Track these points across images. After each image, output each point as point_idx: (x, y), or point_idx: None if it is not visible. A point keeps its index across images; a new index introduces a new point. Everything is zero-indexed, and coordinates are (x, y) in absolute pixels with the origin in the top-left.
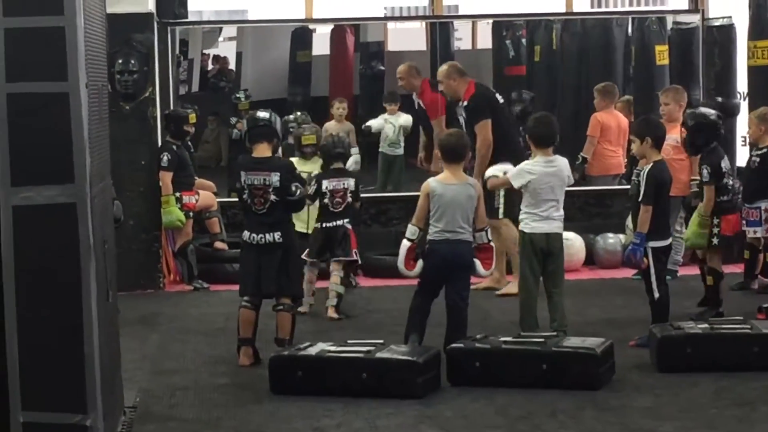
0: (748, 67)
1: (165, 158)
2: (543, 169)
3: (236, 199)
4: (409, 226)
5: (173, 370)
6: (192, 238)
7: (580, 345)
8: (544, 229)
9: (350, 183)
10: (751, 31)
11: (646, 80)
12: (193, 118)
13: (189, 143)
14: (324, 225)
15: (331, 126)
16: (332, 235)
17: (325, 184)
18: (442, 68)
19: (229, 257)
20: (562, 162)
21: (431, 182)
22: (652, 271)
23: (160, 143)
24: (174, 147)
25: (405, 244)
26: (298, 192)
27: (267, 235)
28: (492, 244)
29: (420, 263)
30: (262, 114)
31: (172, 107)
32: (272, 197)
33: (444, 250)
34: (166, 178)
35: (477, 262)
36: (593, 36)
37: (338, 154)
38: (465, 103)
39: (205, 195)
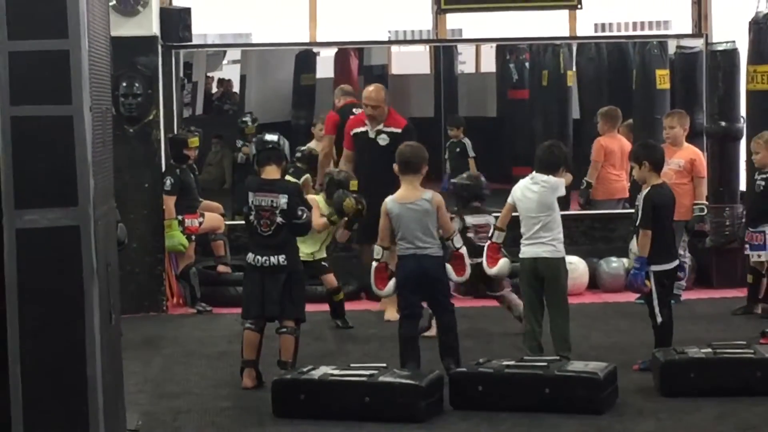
0: (747, 92)
1: (168, 182)
2: (524, 186)
3: (240, 222)
4: (375, 246)
5: (176, 393)
6: (194, 261)
7: (583, 369)
8: (530, 254)
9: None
10: (750, 55)
11: (647, 104)
12: (194, 142)
13: (194, 166)
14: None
15: (312, 146)
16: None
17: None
18: (378, 91)
19: (232, 280)
20: (546, 179)
21: (388, 202)
22: (655, 295)
23: (164, 166)
24: (178, 171)
25: (372, 265)
26: (305, 216)
27: (271, 258)
28: (462, 250)
29: (392, 282)
30: (270, 137)
31: (176, 130)
32: (279, 219)
33: (410, 265)
34: (169, 202)
35: (449, 267)
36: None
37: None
38: (395, 129)
39: (212, 217)
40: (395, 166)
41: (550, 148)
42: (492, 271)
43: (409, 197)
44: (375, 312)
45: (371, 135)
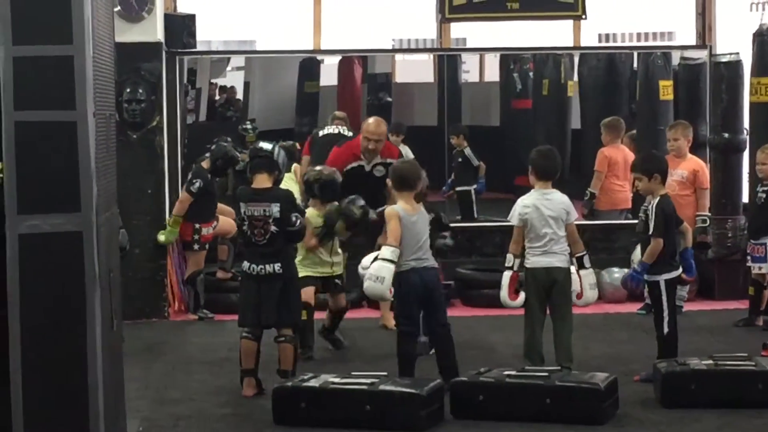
0: (750, 104)
1: (197, 184)
2: (537, 202)
3: None
4: (392, 249)
5: (177, 400)
6: (203, 268)
7: (584, 380)
8: (542, 264)
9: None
10: (754, 67)
11: (650, 115)
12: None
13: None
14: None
15: None
16: None
17: None
18: (380, 125)
19: (234, 287)
20: (559, 196)
21: (397, 208)
22: (665, 304)
23: (167, 172)
24: (208, 176)
25: (390, 267)
26: (298, 222)
27: (267, 266)
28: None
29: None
30: (264, 145)
31: (178, 137)
32: (272, 228)
33: (414, 279)
34: (186, 203)
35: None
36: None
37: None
38: (391, 159)
39: (225, 220)
40: (388, 182)
41: (550, 153)
42: (515, 303)
43: (411, 209)
44: (375, 320)
45: (367, 168)
